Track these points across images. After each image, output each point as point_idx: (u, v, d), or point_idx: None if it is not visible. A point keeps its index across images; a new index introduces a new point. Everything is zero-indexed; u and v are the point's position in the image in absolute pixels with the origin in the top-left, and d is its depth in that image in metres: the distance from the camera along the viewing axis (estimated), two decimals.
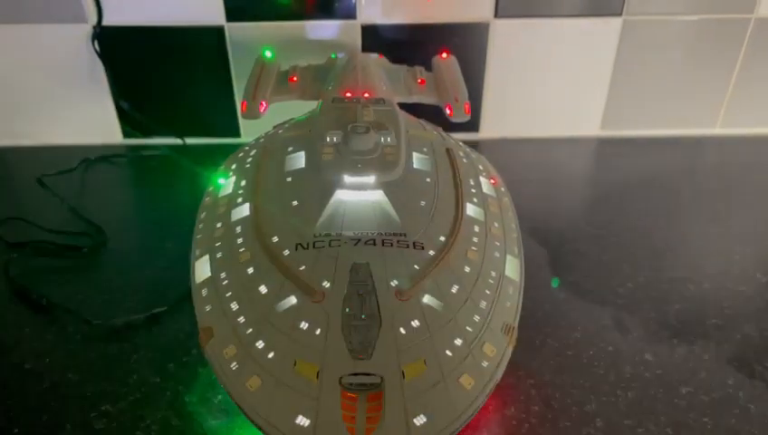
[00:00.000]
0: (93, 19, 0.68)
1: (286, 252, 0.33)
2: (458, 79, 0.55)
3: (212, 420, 0.43)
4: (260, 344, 0.30)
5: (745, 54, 0.73)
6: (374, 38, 0.69)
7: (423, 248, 0.34)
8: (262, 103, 0.51)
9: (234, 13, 0.69)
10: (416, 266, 0.33)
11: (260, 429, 0.28)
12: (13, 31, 0.69)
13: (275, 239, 0.34)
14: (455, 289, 0.33)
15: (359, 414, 0.27)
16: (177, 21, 0.69)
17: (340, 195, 0.36)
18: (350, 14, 0.69)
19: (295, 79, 0.56)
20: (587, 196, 0.71)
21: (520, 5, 0.69)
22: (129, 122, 0.76)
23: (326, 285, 0.31)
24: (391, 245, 0.34)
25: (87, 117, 0.75)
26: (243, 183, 0.40)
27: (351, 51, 0.65)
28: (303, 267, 0.32)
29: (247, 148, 0.45)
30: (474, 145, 0.55)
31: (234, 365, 0.29)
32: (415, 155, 0.40)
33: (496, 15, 0.69)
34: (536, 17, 0.70)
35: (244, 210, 0.37)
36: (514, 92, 0.75)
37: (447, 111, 0.51)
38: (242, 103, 0.52)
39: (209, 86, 0.74)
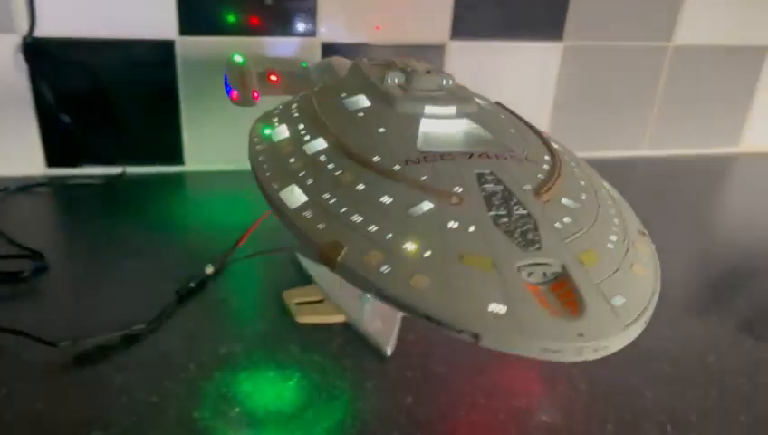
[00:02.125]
0: (24, 29, 0.61)
1: (396, 167, 0.32)
2: None
3: (233, 434, 0.36)
4: (409, 247, 0.28)
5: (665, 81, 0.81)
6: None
7: (536, 163, 0.34)
8: (255, 91, 0.48)
9: (188, 26, 0.65)
10: (539, 175, 0.33)
11: (442, 324, 0.26)
12: None
13: (377, 159, 0.33)
14: (583, 196, 0.33)
15: (552, 300, 0.26)
16: (121, 33, 0.64)
17: (427, 123, 0.36)
18: (310, 31, 0.68)
19: (275, 78, 0.53)
20: None
21: (474, 28, 0.72)
22: (56, 150, 0.68)
23: (458, 190, 0.31)
24: (506, 158, 0.34)
25: (6, 144, 0.66)
26: (300, 126, 0.38)
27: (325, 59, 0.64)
28: (425, 177, 0.32)
29: (278, 109, 0.42)
30: None
31: (385, 268, 0.28)
32: (477, 99, 0.39)
33: (452, 37, 0.72)
34: (488, 39, 0.73)
35: (319, 144, 0.36)
36: None
37: None
38: (231, 93, 0.49)
39: (152, 108, 0.68)
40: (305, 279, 0.52)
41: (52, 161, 0.68)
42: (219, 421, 0.37)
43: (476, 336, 0.26)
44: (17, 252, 0.53)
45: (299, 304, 0.48)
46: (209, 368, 0.42)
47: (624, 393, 0.42)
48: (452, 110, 0.37)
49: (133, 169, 0.69)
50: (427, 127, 0.35)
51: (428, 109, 0.36)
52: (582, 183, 0.34)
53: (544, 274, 0.28)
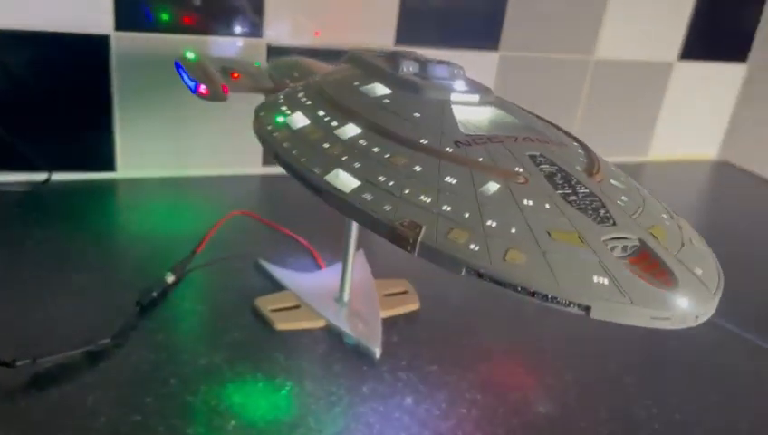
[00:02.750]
0: None
1: (449, 149, 0.32)
2: None
3: None
4: (491, 223, 0.28)
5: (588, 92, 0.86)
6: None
7: (571, 147, 0.35)
8: (224, 86, 0.46)
9: (126, 20, 0.60)
10: (581, 159, 0.34)
11: (549, 299, 0.26)
12: None
13: (425, 142, 0.32)
14: (622, 178, 0.34)
15: (639, 272, 0.27)
16: (48, 26, 0.58)
17: (456, 109, 0.35)
18: (256, 33, 0.65)
19: (237, 75, 0.51)
20: None
21: (418, 36, 0.73)
22: None
23: (519, 170, 0.31)
24: (547, 142, 0.34)
25: None
26: (321, 113, 0.37)
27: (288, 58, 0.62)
28: (481, 159, 0.31)
29: (280, 99, 0.41)
30: None
31: (473, 246, 0.27)
32: None
33: (397, 44, 0.72)
34: (431, 47, 0.74)
35: (351, 129, 0.35)
36: None
37: None
38: (198, 87, 0.46)
39: (82, 109, 0.63)
40: (272, 285, 0.49)
41: None
42: None
43: (587, 309, 0.26)
44: None
45: (275, 310, 0.46)
46: (193, 381, 0.38)
47: (607, 381, 0.44)
48: (476, 97, 0.37)
49: (57, 176, 0.63)
50: (458, 113, 0.35)
51: (454, 96, 0.36)
52: (613, 168, 0.35)
53: (624, 248, 0.28)
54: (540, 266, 0.26)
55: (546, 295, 0.26)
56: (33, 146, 0.62)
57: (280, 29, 0.67)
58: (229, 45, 0.65)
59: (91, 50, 0.61)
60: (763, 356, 0.50)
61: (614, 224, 0.28)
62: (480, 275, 0.26)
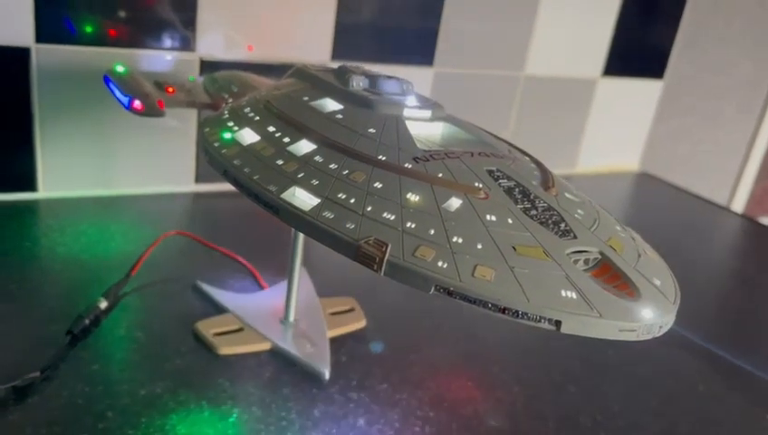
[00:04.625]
0: None
1: (408, 165, 0.32)
2: None
3: None
4: (457, 240, 0.28)
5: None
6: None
7: (523, 161, 0.35)
8: (160, 101, 0.44)
9: (48, 32, 0.57)
10: (535, 172, 0.34)
11: (520, 315, 0.26)
12: None
13: (383, 158, 0.32)
14: (574, 191, 0.34)
15: (602, 284, 0.27)
16: None
17: (412, 125, 0.35)
18: (187, 46, 0.63)
19: (172, 90, 0.49)
20: None
21: (354, 51, 0.73)
22: None
23: (479, 185, 0.31)
24: (502, 157, 0.34)
25: None
26: (271, 129, 0.35)
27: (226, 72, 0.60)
28: (441, 174, 0.31)
29: (225, 114, 0.39)
30: None
31: (441, 263, 0.27)
32: None
33: (333, 58, 0.72)
34: (367, 62, 0.74)
35: (305, 145, 0.34)
36: None
37: None
38: (132, 102, 0.43)
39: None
40: (212, 308, 0.48)
41: None
42: None
43: (558, 323, 0.26)
44: None
45: (217, 334, 0.44)
46: (132, 413, 0.36)
47: (552, 391, 0.45)
48: (428, 113, 0.37)
49: None
50: (412, 128, 0.35)
51: (407, 111, 0.36)
52: (564, 181, 0.36)
53: (586, 261, 0.28)
54: (509, 282, 0.26)
55: (517, 312, 0.26)
56: None
57: (213, 43, 0.65)
58: (160, 59, 0.62)
59: (9, 63, 0.57)
60: (698, 358, 0.52)
61: (575, 237, 0.29)
62: (450, 293, 0.26)
